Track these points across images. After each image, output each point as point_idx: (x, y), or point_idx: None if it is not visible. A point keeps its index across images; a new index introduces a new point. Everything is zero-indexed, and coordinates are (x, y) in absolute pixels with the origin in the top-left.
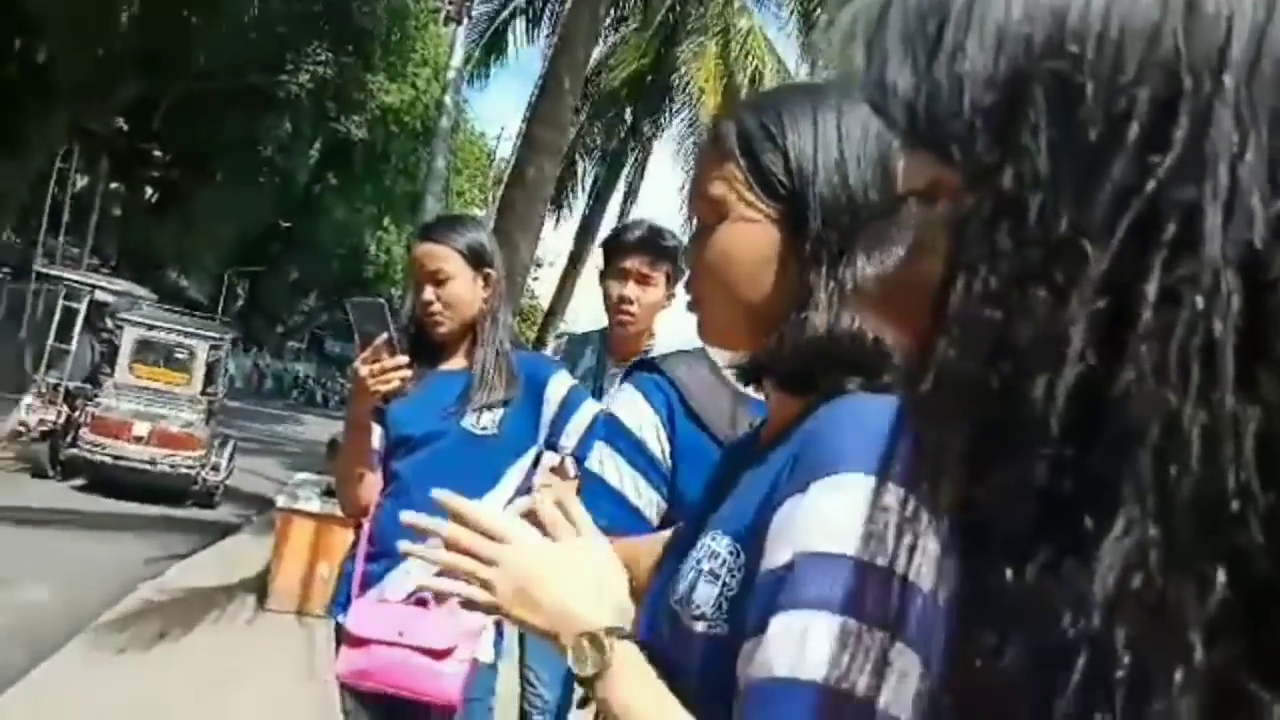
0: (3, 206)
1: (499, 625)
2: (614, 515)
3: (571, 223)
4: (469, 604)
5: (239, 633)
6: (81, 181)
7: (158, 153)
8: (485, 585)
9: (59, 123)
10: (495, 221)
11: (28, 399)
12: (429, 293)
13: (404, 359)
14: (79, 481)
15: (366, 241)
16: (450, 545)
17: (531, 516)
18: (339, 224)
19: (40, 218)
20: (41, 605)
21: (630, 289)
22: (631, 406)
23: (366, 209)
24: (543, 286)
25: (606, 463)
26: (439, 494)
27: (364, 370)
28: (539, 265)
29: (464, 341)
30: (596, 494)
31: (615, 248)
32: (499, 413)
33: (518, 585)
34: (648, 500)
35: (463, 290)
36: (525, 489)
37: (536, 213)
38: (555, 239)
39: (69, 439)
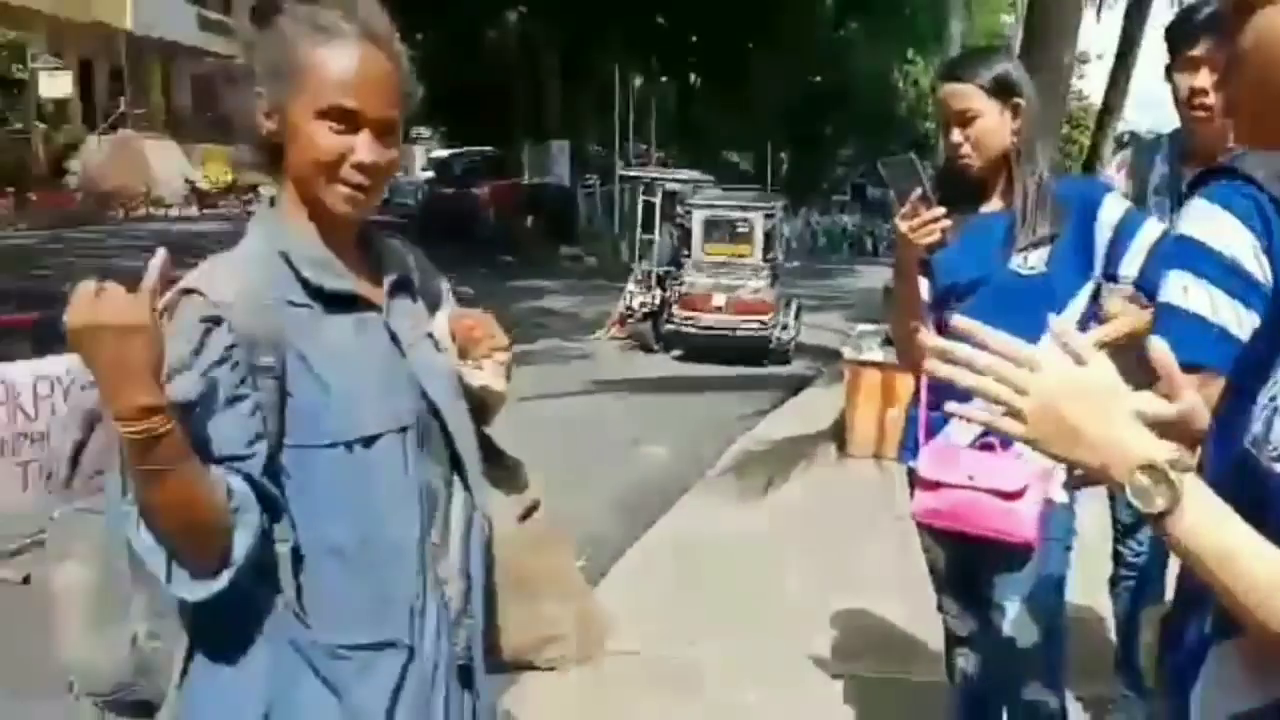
0: (581, 124)
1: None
2: (1212, 350)
3: (1116, 10)
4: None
5: (824, 477)
6: (638, 83)
7: (695, 38)
8: (1016, 415)
9: (613, 37)
10: (1025, 23)
11: (629, 286)
12: (956, 134)
13: (940, 210)
14: (677, 352)
15: (895, 78)
16: (978, 371)
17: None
18: (865, 68)
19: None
20: (663, 459)
21: (1202, 78)
22: (1213, 223)
23: (890, 46)
24: (1091, 84)
25: (1192, 290)
26: (958, 320)
27: (903, 226)
28: (1084, 61)
29: (1000, 179)
30: (1183, 327)
31: (1183, 33)
32: (1046, 249)
33: (1052, 415)
34: (1250, 330)
35: (991, 126)
36: (1084, 326)
37: (1071, 6)
38: (1099, 32)
39: (665, 316)
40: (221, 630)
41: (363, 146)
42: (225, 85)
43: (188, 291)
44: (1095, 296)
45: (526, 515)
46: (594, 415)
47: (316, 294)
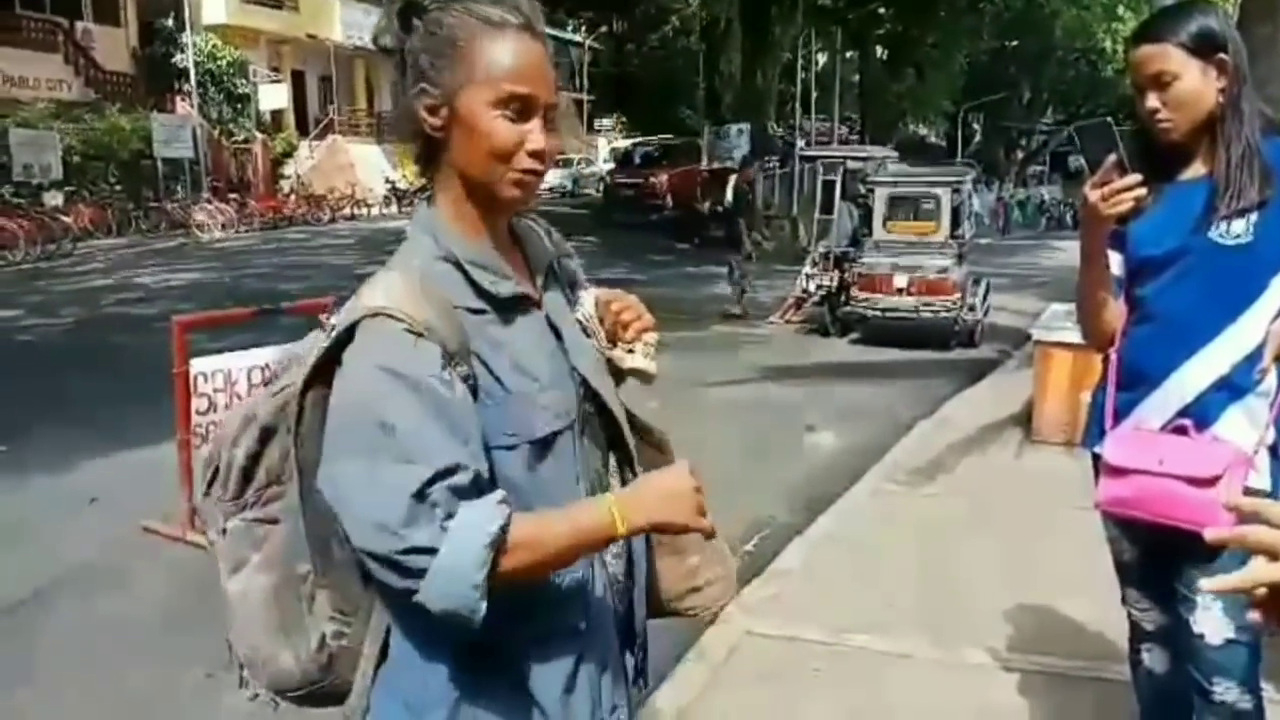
0: (762, 106)
1: (1275, 450)
2: None
3: None
4: None
5: (1009, 464)
6: (821, 60)
7: (881, 10)
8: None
9: (797, 11)
10: None
11: (806, 268)
12: (1152, 99)
13: (1135, 177)
14: (855, 335)
15: (1100, 39)
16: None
17: None
18: (1068, 28)
19: (793, 104)
20: (837, 446)
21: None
22: None
23: (1096, 2)
24: None
25: None
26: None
27: (1094, 195)
28: None
29: (1203, 143)
30: None
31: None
32: (1252, 217)
33: None
34: None
35: (1191, 87)
36: None
37: None
38: None
39: (842, 299)
40: (417, 621)
41: (535, 133)
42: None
43: (376, 314)
44: None
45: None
46: (767, 401)
47: (489, 299)
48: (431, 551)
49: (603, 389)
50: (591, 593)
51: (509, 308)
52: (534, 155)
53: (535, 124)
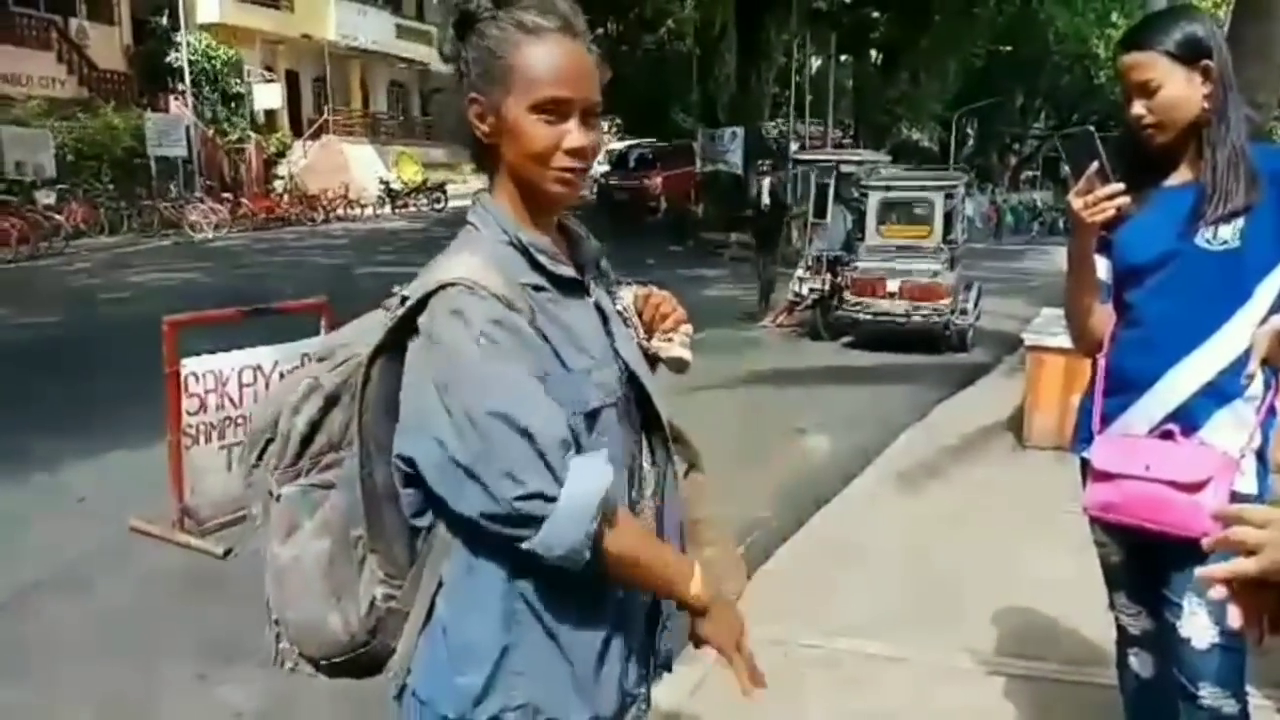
0: (757, 109)
1: (1261, 454)
2: None
3: None
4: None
5: (999, 468)
6: (816, 63)
7: (876, 14)
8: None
9: (792, 16)
10: None
11: (799, 272)
12: (1138, 106)
13: (1118, 186)
14: (847, 339)
15: (1094, 45)
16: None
17: None
18: (1062, 34)
19: (788, 108)
20: (828, 448)
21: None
22: None
23: (1089, 8)
24: None
25: None
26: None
27: (1077, 203)
28: None
29: (1190, 149)
30: None
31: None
32: (1239, 222)
33: None
34: None
35: (1175, 94)
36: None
37: None
38: None
39: (835, 302)
40: (467, 583)
41: (573, 133)
42: (419, 89)
43: (454, 285)
44: None
45: (688, 471)
46: (759, 403)
47: (551, 278)
48: (550, 499)
49: (642, 374)
50: None
51: (568, 289)
52: (571, 154)
53: (573, 124)
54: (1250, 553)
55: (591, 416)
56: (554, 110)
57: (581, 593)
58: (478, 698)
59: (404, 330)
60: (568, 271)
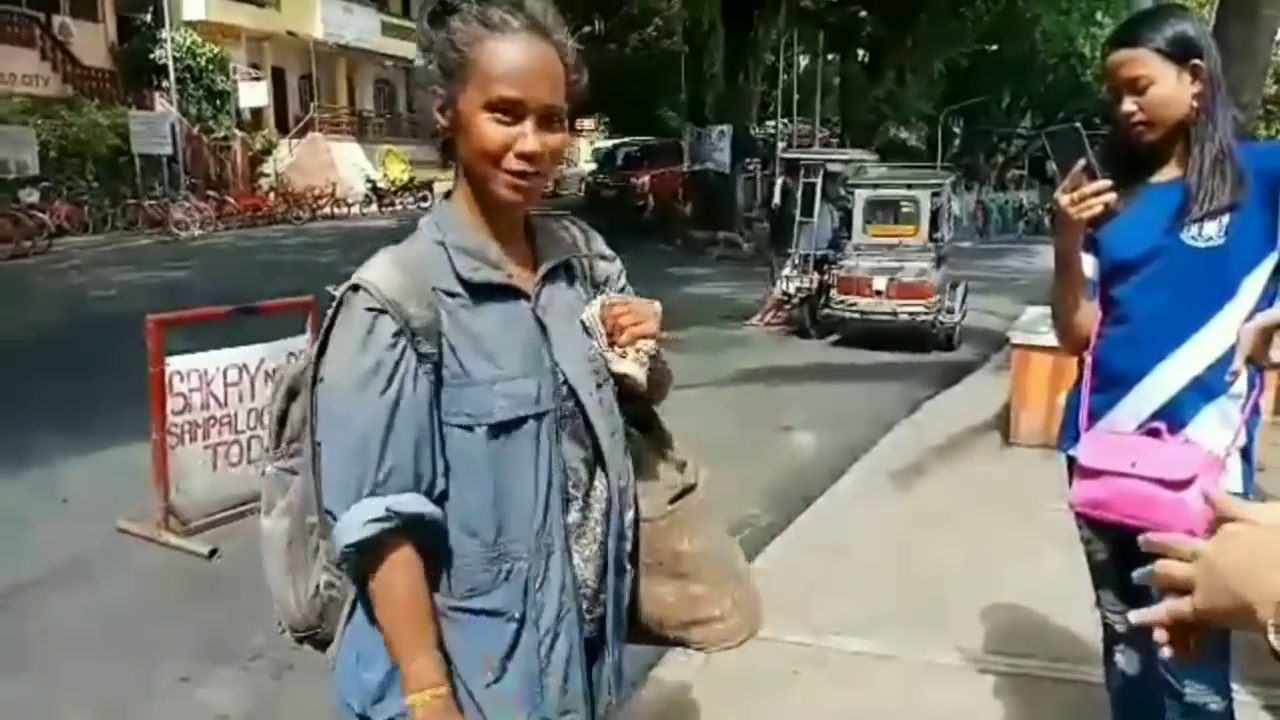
0: (744, 108)
1: (1246, 453)
2: None
3: None
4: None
5: (986, 466)
6: (804, 62)
7: (864, 13)
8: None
9: (779, 14)
10: None
11: (786, 270)
12: (1128, 103)
13: (1104, 183)
14: (834, 337)
15: (1080, 44)
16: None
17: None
18: (1048, 33)
19: (775, 106)
20: (815, 446)
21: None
22: None
23: (1075, 7)
24: None
25: None
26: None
27: (1064, 199)
28: None
29: (1177, 147)
30: None
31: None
32: (1224, 219)
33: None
34: None
35: (1166, 92)
36: (1269, 300)
37: None
38: None
39: (822, 301)
40: None
41: (527, 136)
42: (405, 87)
43: (356, 287)
44: (1278, 273)
45: (678, 499)
46: (746, 401)
47: (466, 284)
48: (334, 520)
49: (582, 389)
50: (538, 588)
51: (485, 295)
52: (523, 157)
53: (527, 126)
54: (1182, 589)
55: (500, 428)
56: (508, 110)
57: (470, 603)
58: (376, 696)
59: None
60: (487, 277)
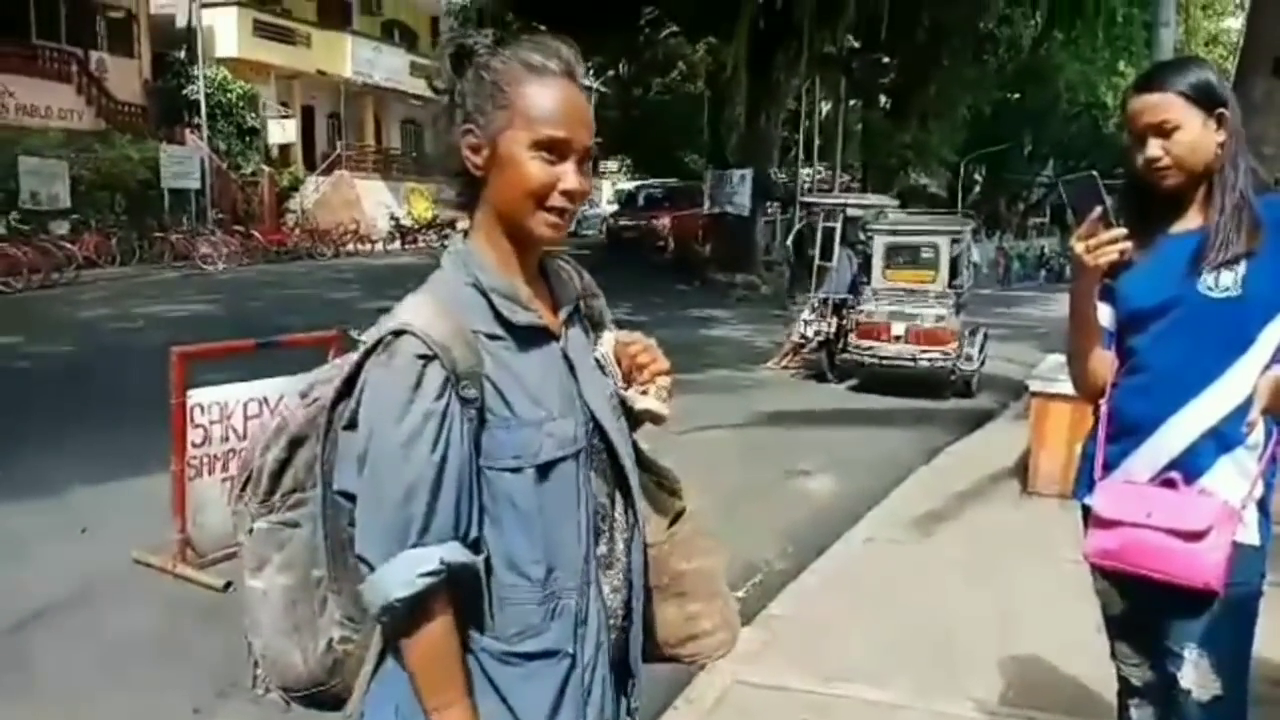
0: (765, 152)
1: (1263, 505)
2: None
3: None
4: None
5: (1004, 514)
6: (826, 108)
7: (886, 59)
8: None
9: (802, 60)
10: (1247, 25)
11: (805, 314)
12: (1154, 147)
13: (1120, 231)
14: (852, 382)
15: (1102, 93)
16: None
17: None
18: (1071, 82)
19: (796, 150)
20: (831, 491)
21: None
22: None
23: (1098, 57)
24: None
25: None
26: None
27: (1079, 247)
28: None
29: (1198, 195)
30: None
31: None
32: (1240, 269)
33: None
34: None
35: (1192, 137)
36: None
37: None
38: None
39: (840, 345)
40: None
41: (569, 175)
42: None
43: (400, 332)
44: None
45: (673, 522)
46: (762, 445)
47: (508, 326)
48: (371, 568)
49: (608, 425)
50: (584, 622)
51: (526, 338)
52: (566, 195)
53: (569, 166)
54: None
55: (546, 468)
56: (554, 150)
57: (528, 645)
58: None
59: (360, 375)
60: (529, 319)
